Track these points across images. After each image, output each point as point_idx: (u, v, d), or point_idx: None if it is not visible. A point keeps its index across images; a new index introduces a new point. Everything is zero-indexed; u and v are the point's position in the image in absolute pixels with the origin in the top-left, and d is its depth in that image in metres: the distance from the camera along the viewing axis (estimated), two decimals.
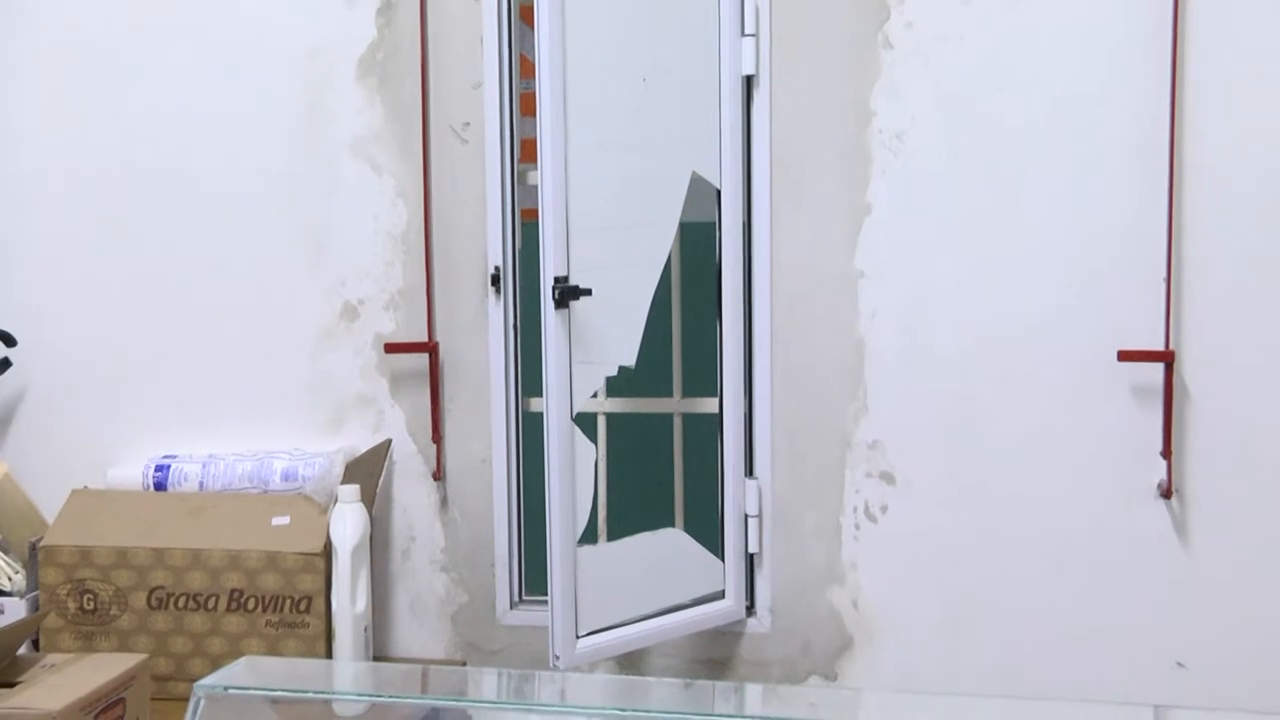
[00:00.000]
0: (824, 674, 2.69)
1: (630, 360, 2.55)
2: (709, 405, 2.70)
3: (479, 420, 2.75)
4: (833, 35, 2.60)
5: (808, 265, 2.64)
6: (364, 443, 2.76)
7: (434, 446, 2.76)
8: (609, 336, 2.50)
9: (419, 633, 2.80)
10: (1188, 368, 2.51)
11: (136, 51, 2.81)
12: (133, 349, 2.85)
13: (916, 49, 2.57)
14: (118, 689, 2.20)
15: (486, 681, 2.27)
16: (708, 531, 2.68)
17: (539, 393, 2.46)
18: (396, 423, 2.78)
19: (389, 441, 2.77)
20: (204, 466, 2.73)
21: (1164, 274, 2.49)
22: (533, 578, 2.78)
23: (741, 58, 2.60)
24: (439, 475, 2.77)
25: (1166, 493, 2.51)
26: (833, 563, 2.67)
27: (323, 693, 1.99)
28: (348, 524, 2.54)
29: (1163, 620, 2.55)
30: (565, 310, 2.41)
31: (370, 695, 2.06)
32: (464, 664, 2.78)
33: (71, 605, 2.59)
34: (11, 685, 2.15)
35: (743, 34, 2.60)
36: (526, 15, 2.65)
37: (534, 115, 2.41)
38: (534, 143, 2.42)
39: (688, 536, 2.68)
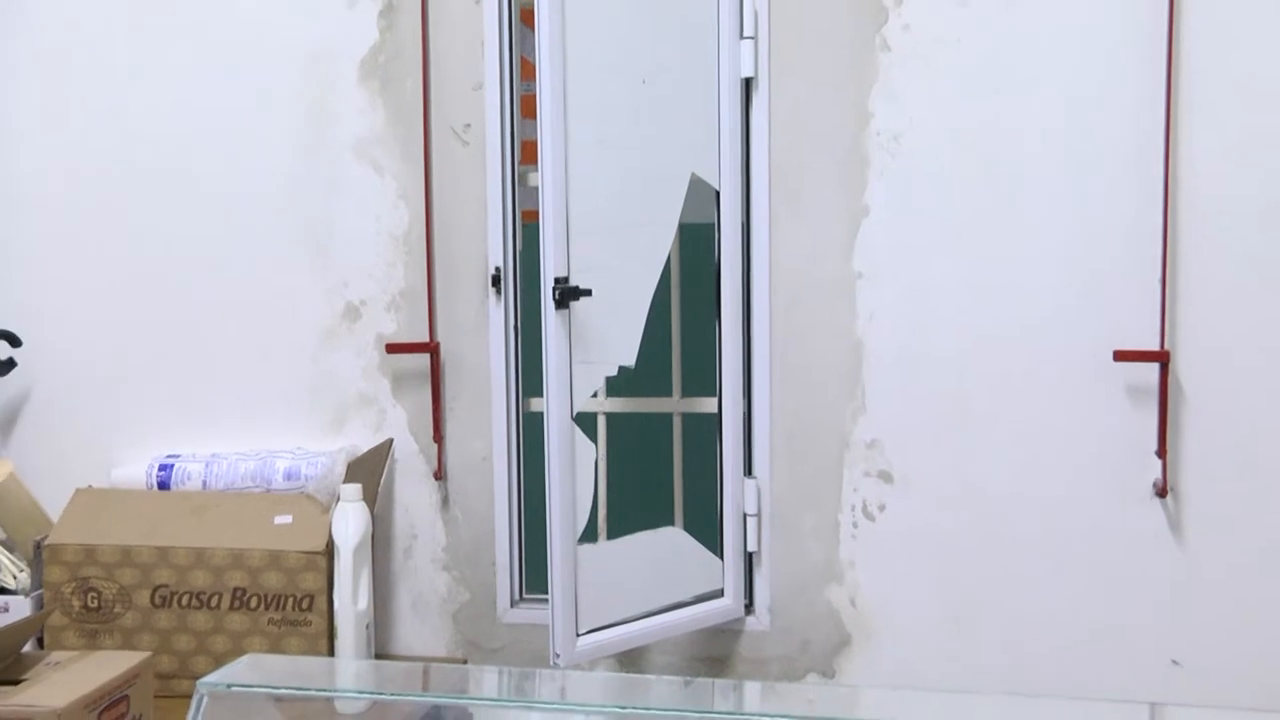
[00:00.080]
0: (822, 671, 2.71)
1: (630, 360, 2.56)
2: (708, 405, 2.71)
3: (480, 420, 2.76)
4: (831, 38, 2.61)
5: (806, 266, 2.65)
6: (366, 442, 2.77)
7: (435, 446, 2.77)
8: (609, 337, 2.52)
9: (420, 631, 2.82)
10: (1182, 368, 2.52)
11: (136, 51, 2.82)
12: (134, 349, 2.86)
13: (914, 51, 2.58)
14: (121, 686, 2.21)
15: (487, 679, 2.28)
16: (707, 530, 2.69)
17: (539, 392, 2.47)
18: (398, 422, 2.79)
19: (391, 441, 2.78)
20: (207, 466, 2.74)
21: (1160, 275, 2.51)
22: (533, 576, 2.79)
23: (740, 60, 2.62)
24: (440, 474, 2.78)
25: (1161, 492, 2.52)
26: (831, 561, 2.69)
27: (325, 690, 2.00)
28: (350, 523, 2.54)
29: (1158, 618, 2.56)
30: (565, 310, 2.42)
31: (372, 693, 2.07)
32: (465, 662, 2.79)
33: (76, 603, 2.61)
34: (16, 683, 2.16)
35: (741, 36, 2.62)
36: (527, 17, 2.67)
37: (534, 117, 2.42)
38: (534, 144, 2.43)
39: (687, 535, 2.70)
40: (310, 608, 2.58)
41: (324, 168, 2.78)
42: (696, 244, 2.69)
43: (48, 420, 2.89)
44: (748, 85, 2.64)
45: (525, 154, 2.74)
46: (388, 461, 2.78)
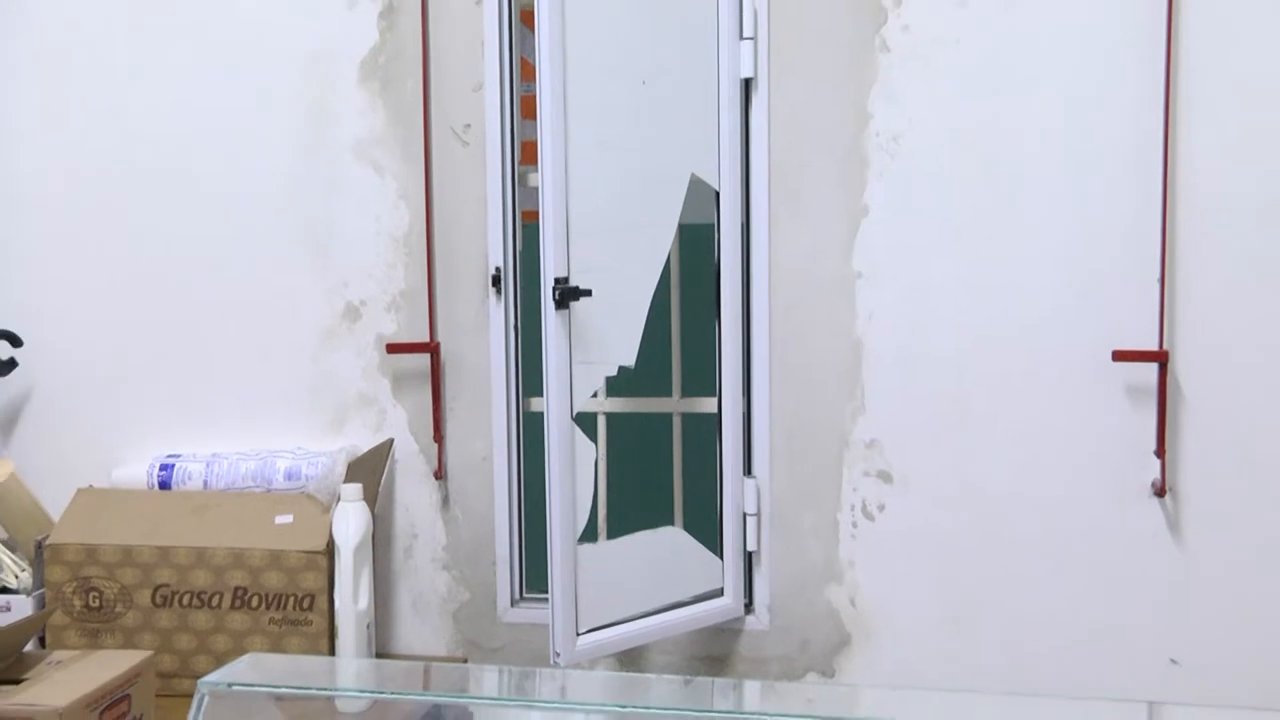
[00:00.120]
0: (822, 671, 2.71)
1: (630, 360, 2.57)
2: (708, 405, 2.72)
3: (480, 420, 2.77)
4: (830, 39, 2.61)
5: (806, 266, 2.66)
6: (366, 442, 2.78)
7: (435, 446, 2.78)
8: (609, 337, 2.52)
9: (421, 630, 2.82)
10: (1181, 367, 2.52)
11: (136, 51, 2.82)
12: (135, 349, 2.86)
13: (913, 52, 2.59)
14: (123, 686, 2.21)
15: (488, 678, 2.28)
16: (707, 530, 2.70)
17: (539, 392, 2.47)
18: (398, 422, 2.80)
19: (391, 441, 2.79)
20: (208, 465, 2.75)
21: (1159, 275, 2.51)
22: (533, 576, 2.80)
23: (740, 61, 2.62)
24: (440, 474, 2.79)
25: (1160, 491, 2.53)
26: (830, 561, 2.69)
27: (325, 689, 2.00)
28: (350, 522, 2.55)
29: (1157, 617, 2.56)
30: (565, 311, 2.43)
31: (372, 692, 2.08)
32: (465, 661, 2.80)
33: (77, 603, 2.61)
34: (18, 682, 2.17)
35: (741, 37, 2.62)
36: (527, 18, 2.67)
37: (534, 117, 2.43)
38: (534, 145, 2.43)
39: (687, 535, 2.70)
40: (311, 607, 2.58)
41: (324, 168, 2.78)
42: (696, 244, 2.69)
43: (49, 420, 2.89)
44: (747, 86, 2.64)
45: (525, 154, 2.74)
46: (388, 461, 2.78)
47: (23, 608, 2.59)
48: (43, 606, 2.61)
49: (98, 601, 2.61)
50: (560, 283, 2.41)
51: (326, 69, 2.77)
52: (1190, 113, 2.49)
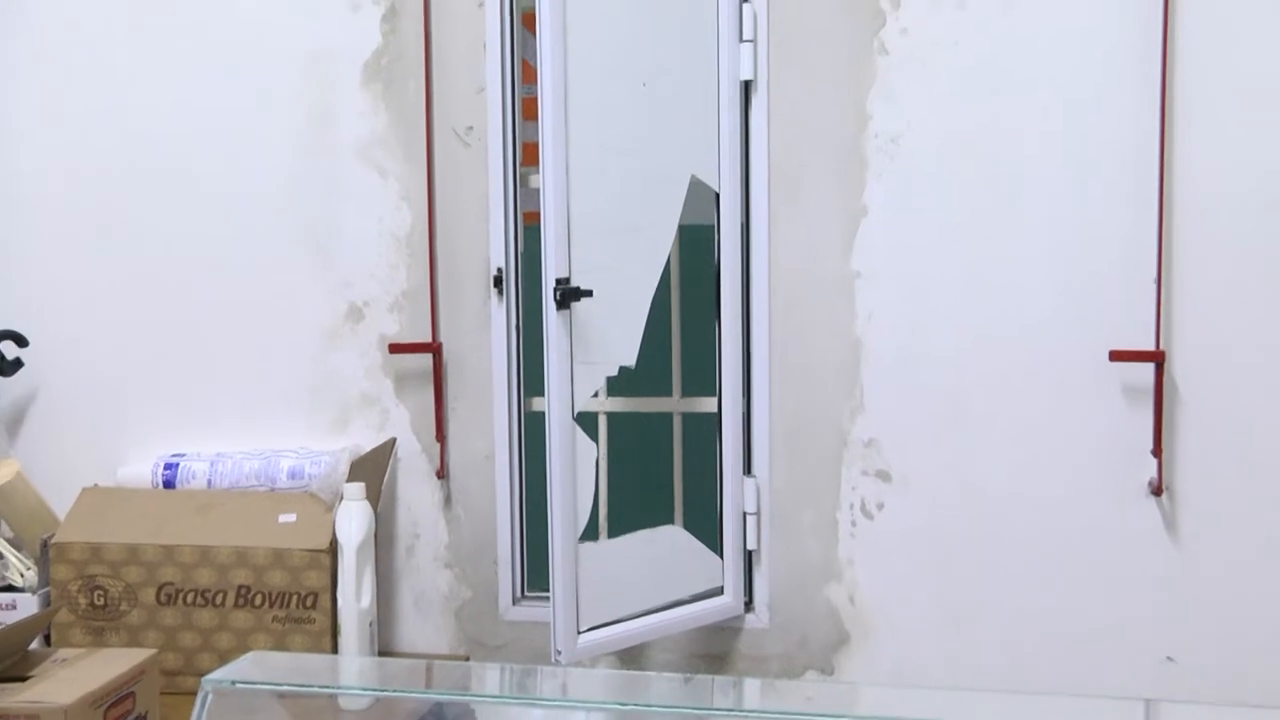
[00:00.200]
0: (821, 669, 2.72)
1: (630, 360, 2.58)
2: (708, 405, 2.73)
3: (482, 419, 2.78)
4: (829, 41, 2.62)
5: (805, 267, 2.67)
6: (369, 442, 2.79)
7: (438, 445, 2.79)
8: (610, 337, 2.53)
9: (423, 628, 2.84)
10: (1178, 367, 2.54)
11: (136, 51, 2.83)
12: (140, 350, 2.87)
13: (912, 54, 2.60)
14: (128, 683, 2.23)
15: (489, 676, 2.28)
16: (707, 529, 2.71)
17: (541, 392, 2.48)
18: (401, 422, 2.81)
19: (393, 440, 2.80)
20: (212, 465, 2.76)
21: (1156, 275, 2.53)
22: (535, 574, 2.81)
23: (740, 63, 2.63)
24: (442, 473, 2.80)
25: (1157, 490, 2.54)
26: (830, 559, 2.70)
27: (328, 687, 2.01)
28: (353, 521, 2.56)
29: (1154, 615, 2.57)
30: (566, 311, 2.44)
31: (375, 690, 2.09)
32: (467, 659, 2.81)
33: (82, 601, 2.62)
34: (24, 679, 2.18)
35: (741, 40, 2.63)
36: (528, 21, 2.68)
37: (536, 119, 2.44)
38: (536, 146, 2.44)
39: (687, 534, 2.71)
40: (314, 605, 2.60)
41: (326, 169, 2.79)
42: (696, 245, 2.70)
43: (54, 420, 2.90)
44: (747, 88, 2.65)
45: (527, 156, 2.75)
46: (391, 461, 2.80)
47: (28, 606, 2.60)
48: (48, 605, 2.62)
49: (102, 600, 2.63)
50: (561, 283, 2.42)
51: (327, 70, 2.77)
52: (1187, 114, 2.50)
